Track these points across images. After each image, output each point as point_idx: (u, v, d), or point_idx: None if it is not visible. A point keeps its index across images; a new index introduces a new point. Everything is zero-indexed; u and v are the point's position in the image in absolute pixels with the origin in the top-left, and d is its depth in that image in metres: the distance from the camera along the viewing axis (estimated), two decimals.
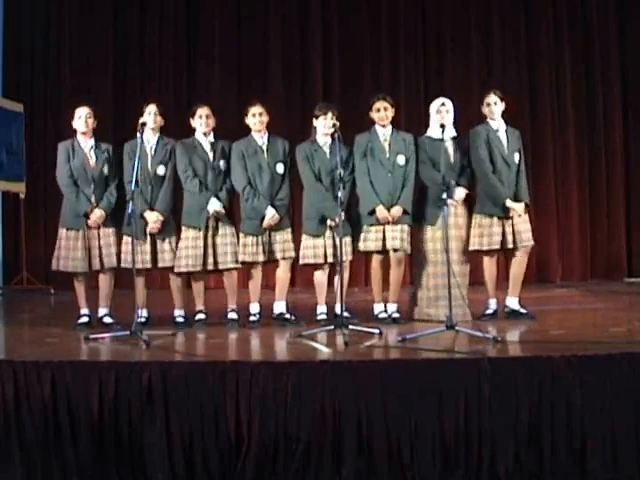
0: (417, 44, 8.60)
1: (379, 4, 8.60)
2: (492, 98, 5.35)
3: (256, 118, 5.27)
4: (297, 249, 5.34)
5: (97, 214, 5.20)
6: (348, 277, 5.43)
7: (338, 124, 5.11)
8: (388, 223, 5.22)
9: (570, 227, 8.53)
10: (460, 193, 5.25)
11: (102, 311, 5.32)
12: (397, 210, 5.22)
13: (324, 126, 5.23)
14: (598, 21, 8.56)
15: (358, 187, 5.29)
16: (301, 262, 5.35)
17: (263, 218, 5.19)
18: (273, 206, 5.21)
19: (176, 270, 5.26)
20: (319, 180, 5.27)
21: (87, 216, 5.20)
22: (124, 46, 8.61)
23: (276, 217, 5.20)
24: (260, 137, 5.30)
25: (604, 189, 8.56)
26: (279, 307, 5.33)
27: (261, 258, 5.23)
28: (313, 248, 5.27)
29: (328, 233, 5.24)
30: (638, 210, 8.51)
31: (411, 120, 7.79)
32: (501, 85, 8.33)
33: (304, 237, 5.34)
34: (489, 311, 5.38)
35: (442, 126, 4.97)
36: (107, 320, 5.27)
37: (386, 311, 5.35)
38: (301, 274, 5.49)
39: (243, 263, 5.27)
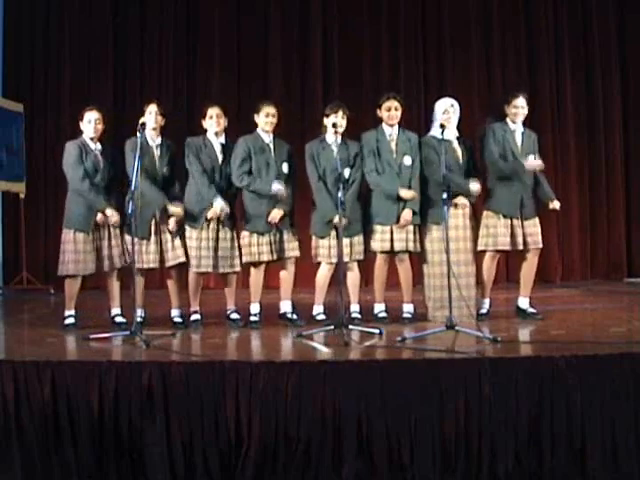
0: (417, 44, 8.60)
1: (379, 4, 8.59)
2: (521, 102, 5.33)
3: (268, 118, 5.27)
4: (300, 248, 5.33)
5: (115, 216, 5.14)
6: (361, 277, 5.45)
7: (342, 124, 5.19)
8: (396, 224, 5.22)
9: (570, 227, 8.52)
10: (475, 186, 5.17)
11: (114, 311, 5.33)
12: (407, 213, 5.20)
13: (332, 125, 5.24)
14: (598, 21, 8.56)
15: (371, 184, 5.27)
16: (315, 261, 5.35)
17: (268, 215, 5.18)
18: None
19: (195, 270, 5.21)
20: (323, 179, 5.26)
21: (104, 214, 5.14)
22: (124, 46, 8.61)
23: (281, 213, 5.18)
24: (267, 136, 5.31)
25: (604, 189, 8.56)
26: (284, 306, 5.34)
27: (265, 257, 5.22)
28: (321, 248, 5.29)
29: (333, 233, 5.22)
30: (638, 210, 8.51)
31: (411, 120, 7.76)
32: (502, 85, 8.41)
33: (313, 238, 5.34)
34: (482, 311, 5.37)
35: (442, 126, 4.96)
36: (118, 320, 5.26)
37: (386, 311, 5.36)
38: (300, 274, 5.48)
39: (251, 263, 5.26)
